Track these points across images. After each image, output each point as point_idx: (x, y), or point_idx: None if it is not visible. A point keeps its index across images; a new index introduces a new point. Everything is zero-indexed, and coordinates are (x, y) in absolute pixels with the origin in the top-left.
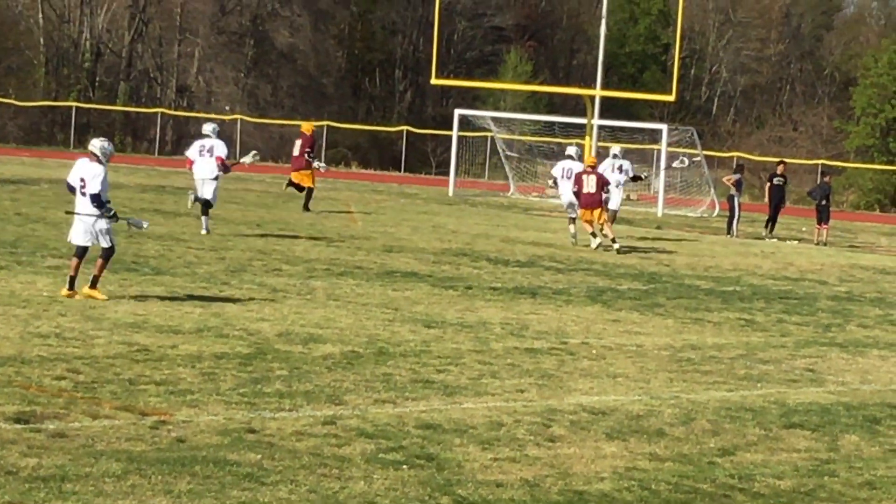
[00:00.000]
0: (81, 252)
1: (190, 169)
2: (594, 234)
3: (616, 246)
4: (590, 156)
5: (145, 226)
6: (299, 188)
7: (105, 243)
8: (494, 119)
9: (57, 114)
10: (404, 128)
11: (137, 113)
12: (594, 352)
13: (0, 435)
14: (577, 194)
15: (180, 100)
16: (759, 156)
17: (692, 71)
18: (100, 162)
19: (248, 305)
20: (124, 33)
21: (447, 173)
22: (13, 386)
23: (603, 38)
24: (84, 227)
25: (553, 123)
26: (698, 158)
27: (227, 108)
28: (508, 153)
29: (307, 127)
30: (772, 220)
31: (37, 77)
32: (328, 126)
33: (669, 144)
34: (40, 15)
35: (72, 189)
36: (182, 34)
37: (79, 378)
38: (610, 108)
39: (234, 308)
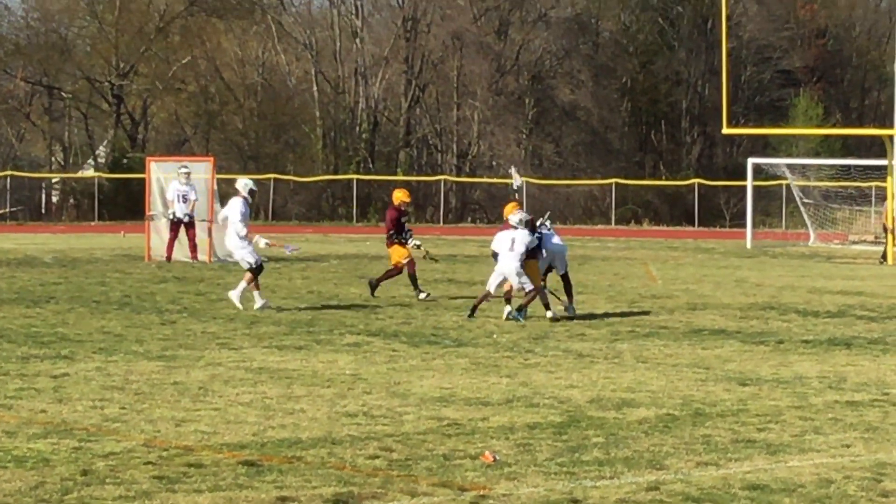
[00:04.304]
0: None
1: None
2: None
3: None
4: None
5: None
6: None
7: None
8: (789, 166)
9: (337, 187)
10: (695, 180)
11: (419, 182)
12: None
13: None
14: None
15: (462, 165)
16: None
17: None
18: None
19: (556, 373)
20: (400, 100)
21: (742, 225)
22: (327, 467)
23: None
24: None
25: (850, 167)
26: None
27: (511, 170)
28: (805, 200)
29: None
30: None
31: (315, 151)
32: (616, 183)
33: None
34: (315, 88)
35: None
36: (460, 98)
37: (392, 456)
38: None
39: (541, 376)
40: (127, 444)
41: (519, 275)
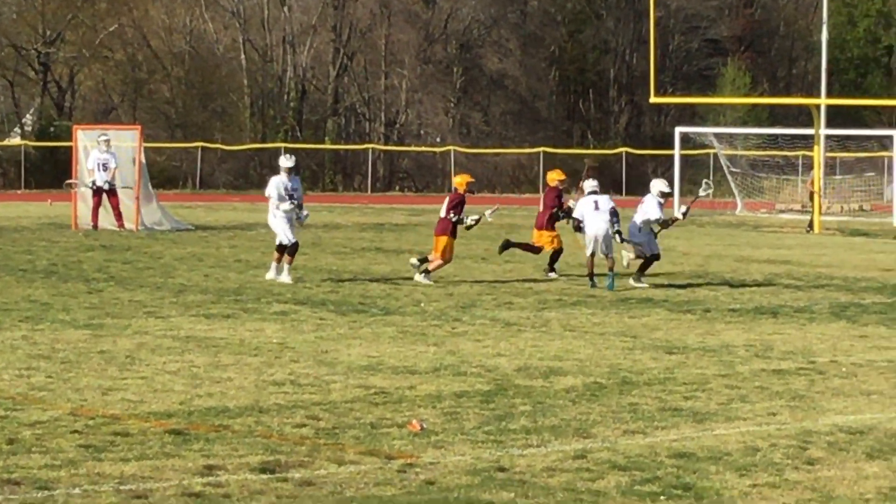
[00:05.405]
0: None
1: None
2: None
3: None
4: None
5: None
6: None
7: None
8: (716, 135)
9: (265, 156)
10: (623, 149)
11: (346, 150)
12: (844, 370)
13: (248, 486)
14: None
15: (390, 134)
16: None
17: None
18: None
19: (483, 341)
20: (328, 69)
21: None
22: (255, 436)
23: (825, 44)
24: None
25: (777, 136)
26: None
27: (438, 139)
28: (733, 169)
29: None
30: None
31: (242, 120)
32: (543, 152)
33: None
34: (243, 56)
35: None
36: (388, 66)
37: (319, 424)
38: (834, 115)
39: (468, 345)
40: (53, 412)
41: (610, 236)
